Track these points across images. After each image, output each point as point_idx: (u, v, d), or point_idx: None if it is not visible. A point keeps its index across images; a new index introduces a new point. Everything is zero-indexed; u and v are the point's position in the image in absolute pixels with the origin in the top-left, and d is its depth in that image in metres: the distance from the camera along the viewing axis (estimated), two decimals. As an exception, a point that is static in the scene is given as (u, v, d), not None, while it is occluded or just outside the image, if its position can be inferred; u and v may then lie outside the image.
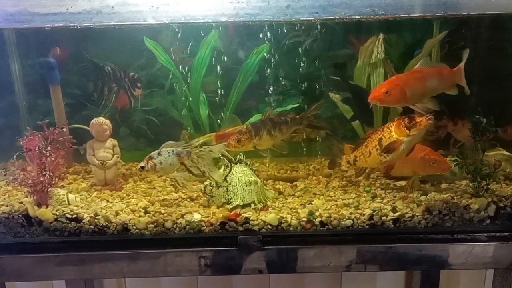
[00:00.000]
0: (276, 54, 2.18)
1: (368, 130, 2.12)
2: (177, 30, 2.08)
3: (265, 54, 2.15)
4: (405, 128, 1.66)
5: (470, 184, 1.81)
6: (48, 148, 1.78)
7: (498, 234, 1.71)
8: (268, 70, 2.21)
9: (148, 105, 2.30)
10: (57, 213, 1.74)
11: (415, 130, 1.66)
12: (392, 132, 1.71)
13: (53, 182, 1.83)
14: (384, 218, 1.72)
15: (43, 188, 1.79)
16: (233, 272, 1.71)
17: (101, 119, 2.04)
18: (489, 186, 1.78)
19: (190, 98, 2.23)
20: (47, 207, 1.78)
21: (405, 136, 1.69)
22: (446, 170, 1.86)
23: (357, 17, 1.48)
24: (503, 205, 1.73)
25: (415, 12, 1.52)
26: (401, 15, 1.51)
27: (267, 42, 2.13)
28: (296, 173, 2.21)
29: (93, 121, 2.04)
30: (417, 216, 1.72)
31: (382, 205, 1.78)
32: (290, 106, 2.26)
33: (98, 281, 2.77)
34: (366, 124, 2.19)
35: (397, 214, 1.72)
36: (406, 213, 1.73)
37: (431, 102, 1.72)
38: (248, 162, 1.94)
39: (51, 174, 1.80)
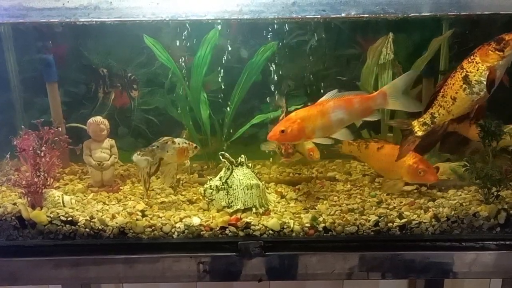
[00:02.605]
0: (280, 53, 2.12)
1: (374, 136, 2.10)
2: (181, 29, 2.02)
3: (274, 51, 2.09)
4: (497, 51, 1.52)
5: (480, 190, 1.75)
6: (43, 148, 1.73)
7: (508, 242, 1.65)
8: (273, 69, 2.15)
9: (147, 105, 2.24)
10: (52, 216, 1.69)
11: (510, 49, 1.51)
12: (479, 63, 1.56)
13: (48, 183, 1.77)
14: (390, 224, 1.66)
15: (37, 189, 1.74)
16: (233, 278, 1.66)
17: (98, 118, 1.98)
18: (499, 193, 1.72)
19: (190, 98, 2.17)
20: (41, 209, 1.73)
21: (499, 60, 1.53)
22: (432, 181, 1.81)
23: (365, 15, 1.42)
24: (514, 213, 1.67)
25: (425, 11, 1.46)
26: (411, 14, 1.45)
27: (271, 40, 2.07)
28: (299, 176, 2.15)
29: (90, 120, 1.98)
30: (425, 222, 1.66)
31: (388, 211, 1.72)
32: (294, 107, 2.20)
33: (95, 285, 2.71)
34: (374, 132, 2.14)
35: (403, 220, 1.67)
36: (413, 219, 1.67)
37: (343, 134, 1.66)
38: (250, 165, 1.89)
39: (46, 175, 1.75)
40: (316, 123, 1.59)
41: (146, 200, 1.86)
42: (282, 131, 1.60)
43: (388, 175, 1.93)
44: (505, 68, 1.59)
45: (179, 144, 1.82)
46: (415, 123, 1.70)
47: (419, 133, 1.70)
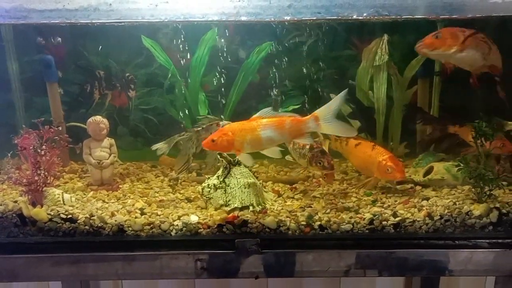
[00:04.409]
0: (276, 54, 2.15)
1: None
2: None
3: (269, 51, 2.11)
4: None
5: (473, 189, 1.78)
6: (43, 146, 1.75)
7: (500, 241, 1.67)
8: (270, 69, 2.17)
9: (146, 104, 2.27)
10: (52, 213, 1.71)
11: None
12: None
13: (48, 182, 1.80)
14: (384, 222, 1.69)
15: (38, 187, 1.76)
16: (230, 275, 1.68)
17: (98, 118, 2.01)
18: (492, 192, 1.75)
19: (188, 98, 2.20)
20: (42, 206, 1.75)
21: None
22: (398, 179, 1.87)
23: (360, 18, 1.45)
24: (506, 212, 1.69)
25: (419, 14, 1.49)
26: (405, 17, 1.48)
27: (267, 41, 2.10)
28: (296, 175, 2.18)
29: (89, 120, 2.01)
30: (418, 221, 1.69)
31: (383, 209, 1.75)
32: (291, 107, 2.23)
33: (94, 282, 2.74)
34: (371, 136, 2.18)
35: (398, 219, 1.69)
36: (407, 218, 1.70)
37: (273, 152, 1.68)
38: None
39: (46, 173, 1.77)
40: (245, 138, 1.63)
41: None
42: (213, 141, 1.65)
43: (364, 172, 1.98)
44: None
45: (223, 126, 1.80)
46: None
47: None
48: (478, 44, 1.74)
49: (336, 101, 1.60)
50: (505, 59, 1.84)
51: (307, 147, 1.88)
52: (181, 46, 2.09)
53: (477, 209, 1.70)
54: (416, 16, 1.47)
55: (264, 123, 1.62)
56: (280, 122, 1.63)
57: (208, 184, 1.84)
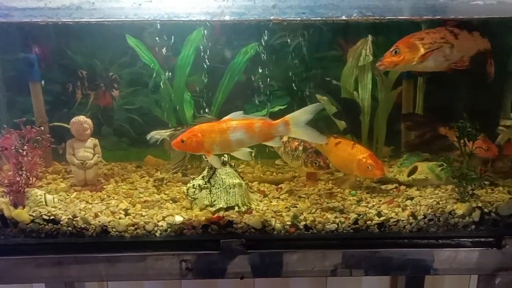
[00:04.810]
0: (262, 54, 2.14)
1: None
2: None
3: (253, 52, 2.11)
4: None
5: (456, 189, 1.80)
6: (25, 147, 1.73)
7: (482, 239, 1.70)
8: (256, 69, 2.17)
9: (131, 104, 2.25)
10: (34, 214, 1.69)
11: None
12: None
13: (30, 182, 1.77)
14: (369, 222, 1.70)
15: (20, 188, 1.74)
16: (215, 276, 1.68)
17: (82, 117, 1.98)
18: (474, 191, 1.77)
19: (173, 98, 2.18)
20: (24, 208, 1.73)
21: None
22: (378, 176, 1.89)
23: (344, 18, 1.46)
24: (488, 211, 1.72)
25: (403, 15, 1.50)
26: (388, 18, 1.49)
27: (255, 42, 2.10)
28: (282, 175, 2.18)
29: (73, 119, 1.98)
30: (402, 220, 1.70)
31: (368, 209, 1.76)
32: (278, 108, 2.23)
33: (79, 283, 2.71)
34: (357, 137, 2.19)
35: (382, 218, 1.70)
36: (391, 217, 1.71)
37: (243, 154, 1.68)
38: (233, 164, 1.91)
39: (28, 174, 1.75)
40: (215, 140, 1.64)
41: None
42: (182, 141, 1.66)
43: (344, 170, 2.00)
44: None
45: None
46: None
47: None
48: (439, 47, 1.73)
49: (309, 109, 1.62)
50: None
51: (300, 148, 1.88)
52: (166, 45, 2.07)
53: (460, 209, 1.72)
54: (400, 17, 1.48)
55: (234, 125, 1.63)
56: (250, 125, 1.64)
57: (193, 185, 1.83)
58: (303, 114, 1.61)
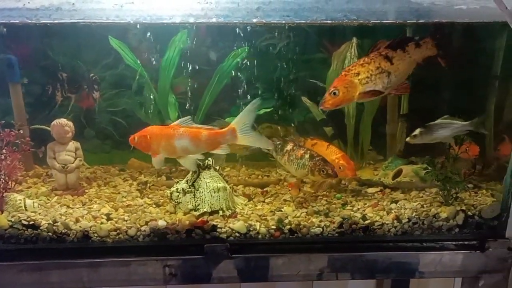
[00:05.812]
0: (247, 56, 2.13)
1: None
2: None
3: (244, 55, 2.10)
4: None
5: (440, 192, 1.80)
6: (3, 150, 1.69)
7: (466, 242, 1.71)
8: (242, 72, 2.16)
9: (114, 106, 2.21)
10: (13, 220, 1.65)
11: None
12: None
13: (9, 187, 1.73)
14: (354, 226, 1.69)
15: (-2, 193, 1.69)
16: (199, 281, 1.66)
17: (63, 120, 1.94)
18: (458, 195, 1.78)
19: (157, 100, 2.16)
20: (2, 213, 1.69)
21: None
22: (350, 177, 1.94)
23: (328, 21, 1.45)
24: (471, 214, 1.73)
25: (387, 19, 1.50)
26: (372, 22, 1.49)
27: (244, 45, 2.09)
28: (268, 178, 2.17)
29: (54, 122, 1.94)
30: (387, 224, 1.70)
31: (353, 212, 1.76)
32: (263, 111, 2.21)
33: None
34: (343, 142, 2.20)
35: (367, 222, 1.70)
36: (376, 221, 1.71)
37: (188, 163, 1.72)
38: (218, 167, 1.89)
39: (7, 178, 1.70)
40: (160, 143, 1.66)
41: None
42: (134, 139, 1.69)
43: None
44: None
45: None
46: None
47: None
48: (377, 75, 1.69)
49: (247, 111, 1.62)
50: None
51: (307, 156, 1.86)
52: (150, 47, 2.05)
53: (444, 212, 1.72)
54: (384, 21, 1.48)
55: (180, 132, 1.66)
56: (197, 134, 1.66)
57: (177, 189, 1.80)
58: (245, 116, 1.62)
